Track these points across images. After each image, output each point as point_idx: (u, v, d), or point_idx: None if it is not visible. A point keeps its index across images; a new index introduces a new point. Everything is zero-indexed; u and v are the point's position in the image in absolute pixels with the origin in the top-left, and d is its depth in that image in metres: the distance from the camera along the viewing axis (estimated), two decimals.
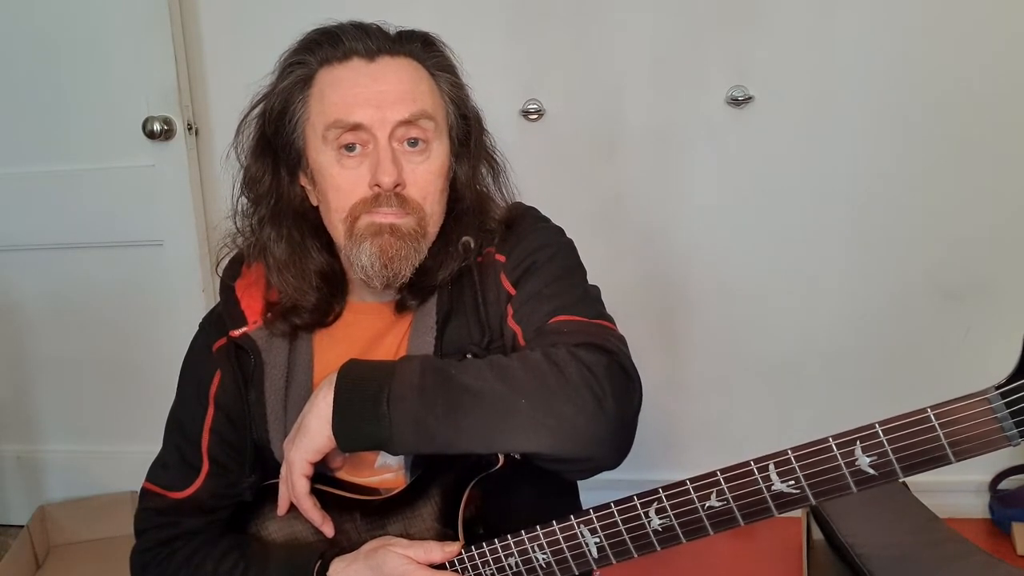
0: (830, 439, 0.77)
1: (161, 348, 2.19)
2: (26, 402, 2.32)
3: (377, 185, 0.96)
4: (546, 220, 1.12)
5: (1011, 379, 0.69)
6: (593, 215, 1.98)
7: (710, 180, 1.94)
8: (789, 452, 0.80)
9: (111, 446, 2.31)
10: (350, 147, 0.98)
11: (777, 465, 0.80)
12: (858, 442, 0.76)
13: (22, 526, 2.20)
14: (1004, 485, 2.01)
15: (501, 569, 0.95)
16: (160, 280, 2.14)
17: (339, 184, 0.99)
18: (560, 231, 1.10)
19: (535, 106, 1.95)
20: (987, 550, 1.72)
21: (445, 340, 1.01)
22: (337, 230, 1.01)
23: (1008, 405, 0.68)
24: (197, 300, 2.07)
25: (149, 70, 2.00)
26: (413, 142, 0.99)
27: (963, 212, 1.88)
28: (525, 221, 1.10)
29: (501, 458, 0.94)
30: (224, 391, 1.08)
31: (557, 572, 0.93)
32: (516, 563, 0.94)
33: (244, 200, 1.08)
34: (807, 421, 1.97)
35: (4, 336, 2.27)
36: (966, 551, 1.72)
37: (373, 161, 0.97)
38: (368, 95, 0.97)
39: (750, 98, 1.87)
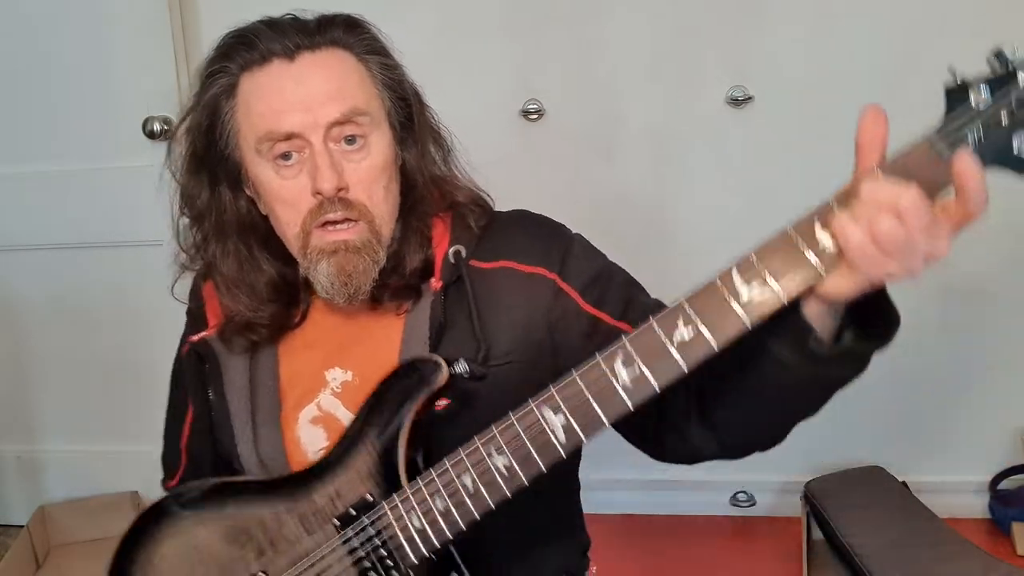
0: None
1: (161, 348, 2.18)
2: (26, 402, 2.32)
3: (319, 192, 0.92)
4: (550, 223, 1.07)
5: (945, 122, 0.72)
6: (593, 215, 1.98)
7: (710, 180, 1.94)
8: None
9: (111, 446, 2.31)
10: (286, 155, 0.93)
11: (741, 269, 0.74)
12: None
13: (22, 526, 2.19)
14: (1004, 485, 2.01)
15: (454, 493, 0.85)
16: (160, 280, 2.10)
17: (283, 197, 0.95)
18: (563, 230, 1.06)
19: (535, 106, 1.94)
20: (987, 550, 1.73)
21: (439, 353, 0.97)
22: (291, 244, 0.97)
23: (949, 145, 0.71)
24: None
25: (149, 70, 1.99)
26: (351, 139, 0.94)
27: None
28: (534, 224, 1.05)
29: (444, 375, 0.88)
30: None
31: (521, 474, 0.82)
32: (472, 480, 0.84)
33: (185, 219, 1.04)
34: (808, 420, 1.97)
35: (4, 336, 2.27)
36: (966, 551, 1.72)
37: (311, 168, 0.92)
38: (294, 100, 0.91)
39: (750, 98, 1.87)
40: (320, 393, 1.03)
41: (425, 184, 1.01)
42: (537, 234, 1.03)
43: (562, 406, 0.80)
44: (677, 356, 0.75)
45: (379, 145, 0.96)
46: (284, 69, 0.93)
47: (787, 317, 0.75)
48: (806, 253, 0.72)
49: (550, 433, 0.80)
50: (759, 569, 1.97)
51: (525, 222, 1.06)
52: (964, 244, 1.96)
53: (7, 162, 2.13)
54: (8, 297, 2.24)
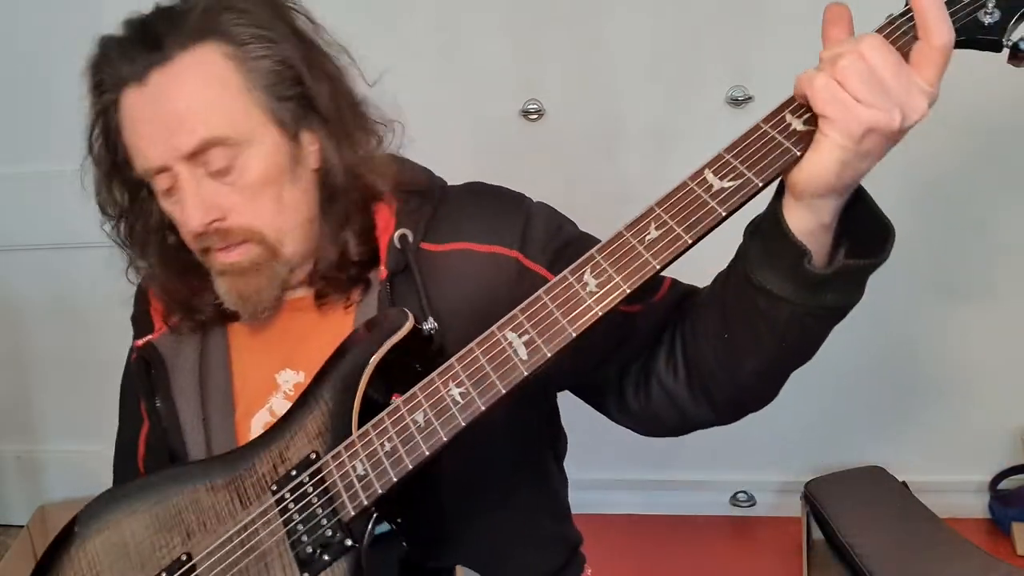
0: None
1: None
2: (26, 402, 2.32)
3: (190, 231, 0.88)
4: (497, 191, 1.00)
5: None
6: (593, 215, 1.98)
7: None
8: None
9: (111, 446, 2.31)
10: (169, 190, 0.89)
11: (712, 166, 0.73)
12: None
13: (22, 526, 2.20)
14: (1004, 485, 2.01)
15: (403, 431, 0.76)
16: None
17: (177, 221, 0.91)
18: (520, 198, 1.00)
19: (535, 106, 1.94)
20: (987, 550, 1.73)
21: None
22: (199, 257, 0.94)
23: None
24: None
25: None
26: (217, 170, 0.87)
27: (963, 211, 1.88)
28: (489, 197, 0.98)
29: (408, 324, 0.81)
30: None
31: (476, 400, 0.74)
32: (424, 415, 0.75)
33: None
34: (808, 420, 1.98)
35: (4, 336, 2.27)
36: (966, 551, 1.72)
37: (182, 202, 0.87)
38: (150, 131, 0.86)
39: (750, 98, 1.87)
40: (271, 396, 0.98)
41: (346, 169, 0.92)
42: (493, 210, 0.96)
43: (525, 324, 0.74)
44: (647, 255, 0.71)
45: (256, 159, 0.87)
46: (138, 96, 0.86)
47: (779, 247, 0.73)
48: (776, 136, 0.70)
49: (511, 352, 0.73)
50: (759, 569, 1.97)
51: (479, 197, 0.99)
52: (964, 244, 1.97)
53: (7, 162, 2.12)
54: (8, 297, 2.24)
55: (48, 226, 2.15)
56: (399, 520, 0.80)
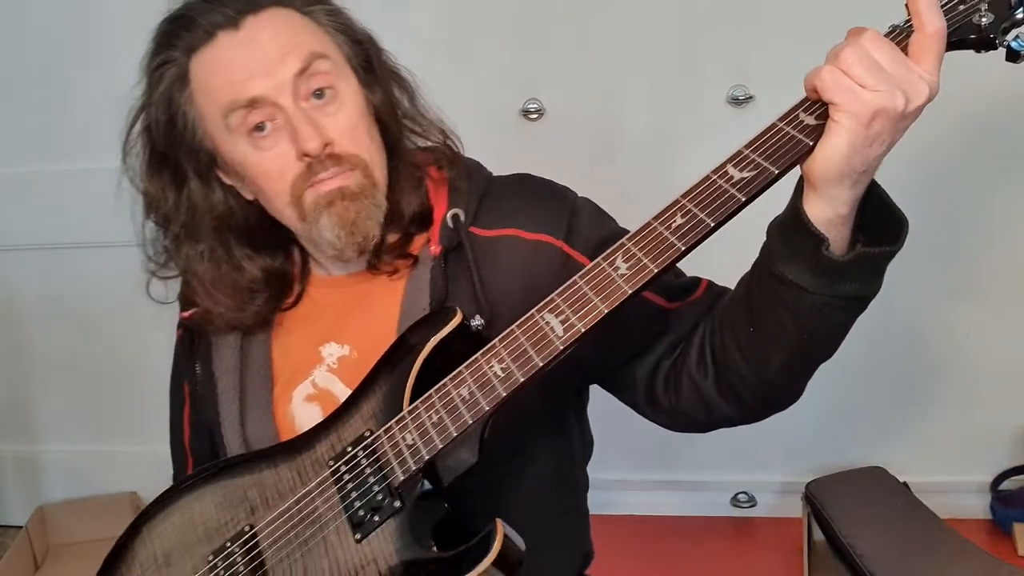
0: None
1: (160, 348, 2.19)
2: (26, 402, 2.32)
3: (306, 155, 0.88)
4: (549, 186, 1.04)
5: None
6: None
7: None
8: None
9: (111, 446, 2.31)
10: (260, 127, 0.89)
11: (733, 160, 0.80)
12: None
13: (21, 526, 2.20)
14: (1005, 486, 2.01)
15: (449, 403, 0.82)
16: (160, 280, 2.13)
17: (266, 170, 0.90)
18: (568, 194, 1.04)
19: (535, 106, 1.94)
20: (988, 551, 1.72)
21: None
22: (287, 216, 0.93)
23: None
24: None
25: None
26: (319, 93, 0.90)
27: (963, 211, 1.88)
28: (537, 188, 1.03)
29: (457, 319, 0.86)
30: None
31: (516, 373, 0.80)
32: (469, 389, 0.81)
33: (152, 225, 1.01)
34: (809, 420, 1.97)
35: (4, 336, 2.27)
36: (967, 552, 1.71)
37: (290, 132, 0.89)
38: (251, 65, 0.87)
39: (750, 98, 1.87)
40: (315, 369, 1.00)
41: (398, 125, 0.97)
42: (541, 200, 1.00)
43: (562, 306, 0.79)
44: (673, 239, 0.77)
45: (349, 91, 0.92)
46: (232, 38, 0.88)
47: (799, 237, 0.76)
48: (791, 131, 0.76)
49: (548, 331, 0.79)
50: (760, 570, 1.97)
51: (527, 186, 1.03)
52: (964, 244, 1.97)
53: (7, 162, 2.12)
54: (8, 297, 2.24)
55: (48, 226, 2.16)
56: (444, 487, 0.85)
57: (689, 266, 0.89)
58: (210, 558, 0.90)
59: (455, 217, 0.96)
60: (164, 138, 0.94)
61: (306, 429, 0.95)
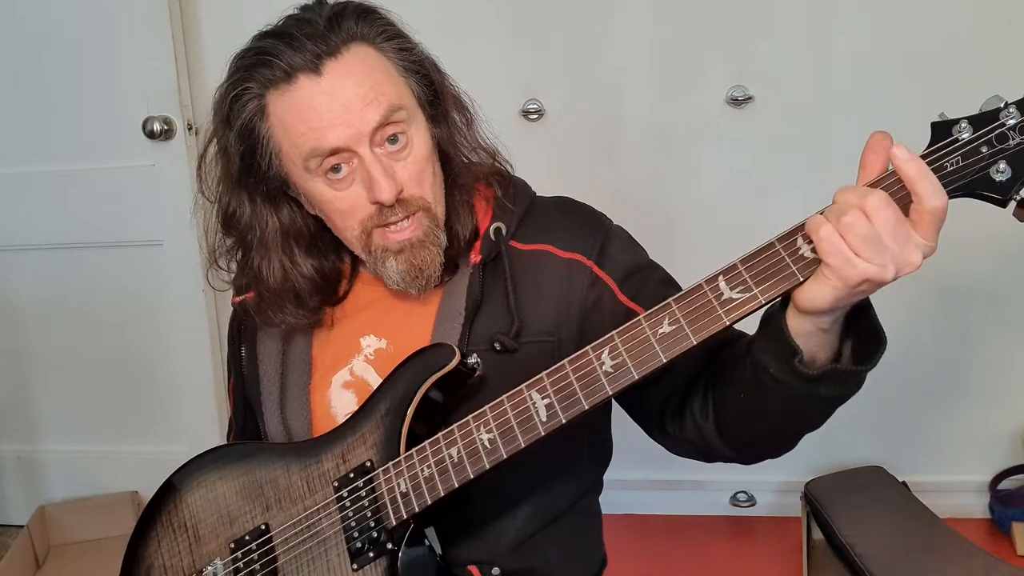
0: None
1: (161, 348, 2.19)
2: (26, 402, 2.32)
3: (378, 202, 0.94)
4: (587, 213, 1.09)
5: (925, 153, 0.76)
6: None
7: (710, 180, 1.93)
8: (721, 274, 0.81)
9: (111, 446, 2.31)
10: (336, 168, 0.94)
11: (726, 274, 0.80)
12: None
13: (22, 526, 2.20)
14: (1004, 485, 2.01)
15: (440, 462, 0.91)
16: (160, 280, 2.13)
17: (340, 208, 0.96)
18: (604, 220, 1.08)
19: (535, 106, 1.95)
20: (987, 550, 1.73)
21: (474, 328, 1.00)
22: (352, 244, 1.00)
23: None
24: (197, 300, 2.06)
25: (149, 70, 2.00)
26: (393, 139, 0.94)
27: (963, 212, 1.88)
28: (575, 211, 1.08)
29: (455, 359, 0.93)
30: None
31: (501, 448, 0.87)
32: (458, 451, 0.90)
33: (224, 239, 1.06)
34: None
35: (4, 336, 2.27)
36: (966, 551, 1.72)
37: (364, 177, 0.94)
38: (332, 115, 0.91)
39: (750, 98, 1.87)
40: (354, 358, 1.06)
41: (459, 156, 1.03)
42: (577, 221, 1.05)
43: (548, 389, 0.85)
44: (658, 348, 0.81)
45: (419, 135, 0.97)
46: (313, 84, 0.91)
47: (777, 341, 0.80)
48: (786, 258, 0.77)
49: (533, 412, 0.86)
50: (759, 569, 1.97)
51: (566, 208, 1.08)
52: (965, 244, 1.97)
53: (7, 162, 2.13)
54: (8, 297, 2.24)
55: (48, 226, 2.16)
56: (434, 527, 0.96)
57: (684, 266, 0.89)
58: (232, 546, 1.01)
59: (497, 231, 1.02)
60: (241, 163, 0.98)
61: (340, 414, 1.05)
